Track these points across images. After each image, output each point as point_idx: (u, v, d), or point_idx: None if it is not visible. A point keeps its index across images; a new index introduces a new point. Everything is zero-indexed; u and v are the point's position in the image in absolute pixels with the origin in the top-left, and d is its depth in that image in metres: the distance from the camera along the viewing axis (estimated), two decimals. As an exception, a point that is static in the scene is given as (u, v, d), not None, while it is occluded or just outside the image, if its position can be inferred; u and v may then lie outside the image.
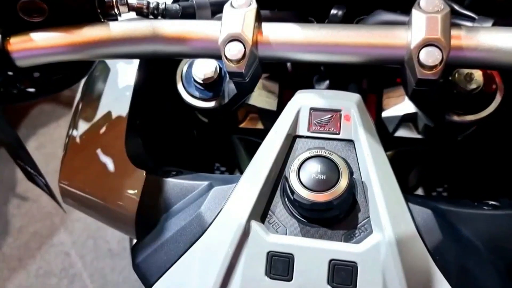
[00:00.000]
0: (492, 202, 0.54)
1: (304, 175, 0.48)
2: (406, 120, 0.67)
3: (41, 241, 1.98)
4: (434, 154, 0.86)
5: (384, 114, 0.68)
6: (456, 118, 0.59)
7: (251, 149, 0.89)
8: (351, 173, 0.48)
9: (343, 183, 0.47)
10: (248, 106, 0.69)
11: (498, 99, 0.59)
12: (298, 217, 0.50)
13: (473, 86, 0.58)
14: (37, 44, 0.54)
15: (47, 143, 2.25)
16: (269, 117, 0.70)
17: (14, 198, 2.10)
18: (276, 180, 0.51)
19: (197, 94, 0.65)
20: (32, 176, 0.73)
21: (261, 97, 0.69)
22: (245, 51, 0.51)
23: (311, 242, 0.48)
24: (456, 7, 0.56)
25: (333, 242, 0.48)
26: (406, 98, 0.65)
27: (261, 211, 0.50)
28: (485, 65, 0.49)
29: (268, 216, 0.50)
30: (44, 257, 1.94)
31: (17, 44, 0.54)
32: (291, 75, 0.73)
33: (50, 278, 1.89)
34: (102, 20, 0.57)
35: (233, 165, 1.06)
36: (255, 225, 0.49)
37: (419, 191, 1.02)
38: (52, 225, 2.01)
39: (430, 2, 0.48)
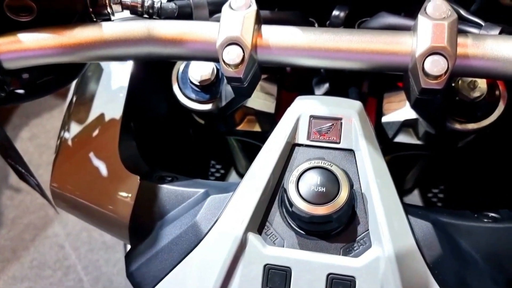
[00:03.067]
0: (492, 214, 0.52)
1: (303, 187, 0.46)
2: (406, 125, 0.65)
3: (35, 232, 1.97)
4: (432, 158, 0.85)
5: (384, 119, 0.66)
6: (457, 126, 0.58)
7: (248, 149, 0.88)
8: (351, 185, 0.47)
9: (343, 196, 0.46)
10: (246, 108, 0.68)
11: (501, 107, 0.57)
12: (296, 229, 0.48)
13: (477, 94, 0.57)
14: (26, 46, 0.52)
15: (40, 133, 2.23)
16: (267, 120, 0.69)
17: (6, 190, 2.08)
18: (274, 190, 0.50)
19: (193, 96, 0.63)
20: (24, 176, 0.71)
21: (259, 99, 0.67)
22: (244, 55, 0.49)
23: (309, 255, 0.47)
24: (463, 13, 0.54)
25: (331, 255, 0.47)
26: (407, 103, 0.64)
27: (258, 222, 0.49)
28: (491, 74, 0.47)
29: (266, 227, 0.49)
30: (38, 248, 1.93)
31: (4, 45, 0.52)
32: (290, 77, 0.71)
33: (44, 270, 1.88)
34: (94, 20, 0.55)
35: (229, 163, 1.05)
36: (252, 237, 0.47)
37: (415, 192, 1.01)
38: (46, 217, 2.00)
39: (437, 8, 0.47)
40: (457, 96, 0.57)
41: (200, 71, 0.61)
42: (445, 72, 0.45)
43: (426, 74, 0.45)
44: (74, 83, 0.71)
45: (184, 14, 0.59)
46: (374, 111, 0.68)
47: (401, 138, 0.66)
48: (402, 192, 0.99)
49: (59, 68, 0.58)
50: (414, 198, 1.05)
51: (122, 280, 1.82)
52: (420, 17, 0.47)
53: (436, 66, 0.45)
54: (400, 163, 0.82)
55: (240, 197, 0.49)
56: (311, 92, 0.68)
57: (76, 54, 0.53)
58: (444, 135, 0.61)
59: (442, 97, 0.58)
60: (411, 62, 0.47)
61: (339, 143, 0.50)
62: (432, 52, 0.45)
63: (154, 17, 0.58)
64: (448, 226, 0.49)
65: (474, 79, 0.57)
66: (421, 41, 0.46)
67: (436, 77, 0.45)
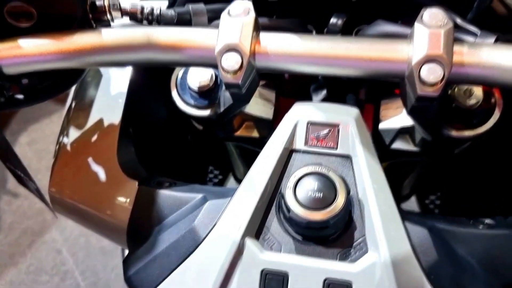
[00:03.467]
0: (488, 221, 0.53)
1: (300, 192, 0.47)
2: (403, 132, 0.66)
3: (32, 238, 1.97)
4: (429, 164, 0.86)
5: (381, 125, 0.67)
6: (454, 133, 0.58)
7: (246, 155, 0.88)
8: (348, 191, 0.47)
9: (340, 201, 0.46)
10: (244, 114, 0.68)
11: (496, 114, 0.58)
12: (294, 234, 0.49)
13: (473, 101, 0.57)
14: (26, 51, 0.52)
15: (39, 138, 2.23)
16: (265, 125, 0.69)
17: (4, 195, 2.08)
18: (272, 195, 0.50)
19: (192, 101, 0.63)
20: (23, 180, 0.72)
21: (257, 105, 0.68)
22: (242, 62, 0.49)
23: (306, 261, 0.47)
24: (459, 21, 0.54)
25: (328, 260, 0.47)
26: (404, 110, 0.64)
27: (256, 228, 0.49)
28: (487, 82, 0.48)
29: (263, 232, 0.49)
30: (35, 254, 1.93)
31: (4, 50, 0.52)
32: (288, 83, 0.71)
33: (41, 275, 1.87)
34: (94, 26, 0.56)
35: (227, 168, 1.05)
36: (249, 242, 0.48)
37: (413, 199, 1.02)
38: (43, 222, 2.00)
39: (433, 16, 0.47)
40: (453, 103, 0.58)
41: (198, 77, 0.62)
42: (441, 80, 0.45)
43: (422, 82, 0.46)
44: (73, 88, 0.71)
45: (183, 20, 0.59)
46: (371, 118, 0.69)
47: (398, 145, 0.66)
48: (399, 198, 0.99)
49: (58, 74, 0.59)
50: (412, 204, 1.05)
51: (119, 285, 1.82)
52: (416, 25, 0.47)
53: (432, 73, 0.45)
54: (398, 170, 0.83)
55: (238, 202, 0.50)
56: (309, 99, 0.69)
57: (75, 60, 0.53)
58: (440, 142, 0.61)
59: (439, 104, 0.58)
60: (408, 70, 0.47)
61: (336, 149, 0.51)
62: (428, 60, 0.46)
63: (153, 24, 0.58)
64: (444, 232, 0.50)
65: (470, 86, 0.57)
66: (417, 49, 0.46)
67: (432, 85, 0.46)
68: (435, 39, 0.46)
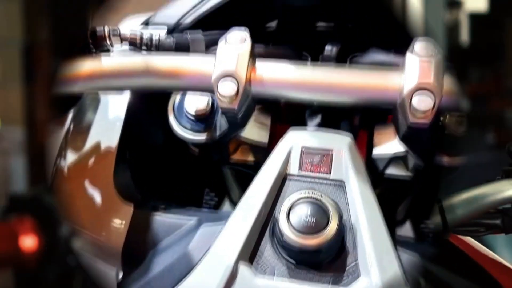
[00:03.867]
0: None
1: (293, 218, 0.47)
2: (396, 159, 0.67)
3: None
4: (423, 190, 0.86)
5: (375, 152, 0.67)
6: (446, 160, 0.59)
7: (241, 179, 0.88)
8: (341, 217, 0.48)
9: (332, 227, 0.47)
10: (240, 139, 0.69)
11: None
12: (287, 258, 0.49)
13: (464, 129, 0.58)
14: None
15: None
16: (260, 150, 0.70)
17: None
18: (266, 220, 0.51)
19: (188, 126, 0.64)
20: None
21: (252, 130, 0.69)
22: (238, 89, 0.51)
23: (299, 285, 0.47)
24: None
25: (321, 285, 0.47)
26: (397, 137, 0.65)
27: (250, 252, 0.49)
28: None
29: (257, 256, 0.49)
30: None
31: None
32: (284, 109, 0.72)
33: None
34: (94, 51, 0.57)
35: (223, 191, 1.05)
36: (243, 266, 0.48)
37: (407, 224, 1.02)
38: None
39: (424, 47, 0.49)
40: (446, 130, 0.59)
41: (195, 103, 0.63)
42: (432, 108, 0.47)
43: (414, 110, 0.47)
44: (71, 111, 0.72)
45: (182, 47, 0.61)
46: (365, 144, 0.70)
47: (391, 171, 0.67)
48: (394, 223, 0.99)
49: (56, 97, 0.60)
50: (406, 229, 1.05)
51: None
52: (408, 55, 0.49)
53: (423, 102, 0.47)
54: (392, 195, 0.83)
55: (232, 227, 0.50)
56: (304, 124, 0.70)
57: (75, 86, 0.54)
58: (433, 168, 0.62)
59: (431, 132, 0.59)
60: (400, 98, 0.49)
61: (329, 175, 0.52)
62: (419, 88, 0.47)
63: (152, 50, 0.60)
64: (435, 257, 0.50)
65: (461, 114, 0.58)
66: (408, 78, 0.48)
67: (423, 113, 0.47)
68: (426, 68, 0.47)
